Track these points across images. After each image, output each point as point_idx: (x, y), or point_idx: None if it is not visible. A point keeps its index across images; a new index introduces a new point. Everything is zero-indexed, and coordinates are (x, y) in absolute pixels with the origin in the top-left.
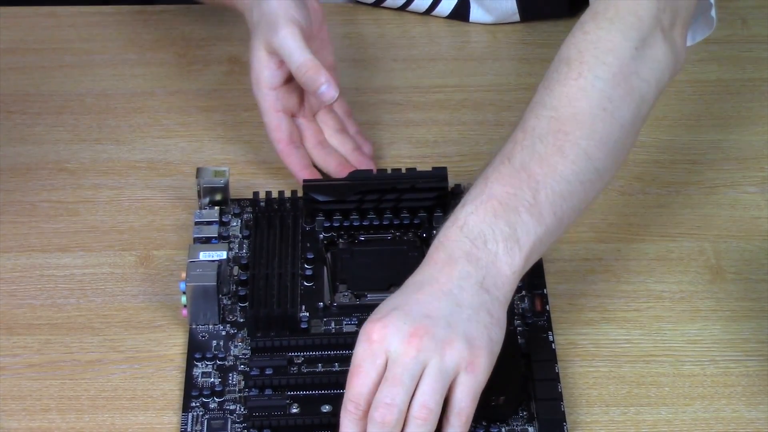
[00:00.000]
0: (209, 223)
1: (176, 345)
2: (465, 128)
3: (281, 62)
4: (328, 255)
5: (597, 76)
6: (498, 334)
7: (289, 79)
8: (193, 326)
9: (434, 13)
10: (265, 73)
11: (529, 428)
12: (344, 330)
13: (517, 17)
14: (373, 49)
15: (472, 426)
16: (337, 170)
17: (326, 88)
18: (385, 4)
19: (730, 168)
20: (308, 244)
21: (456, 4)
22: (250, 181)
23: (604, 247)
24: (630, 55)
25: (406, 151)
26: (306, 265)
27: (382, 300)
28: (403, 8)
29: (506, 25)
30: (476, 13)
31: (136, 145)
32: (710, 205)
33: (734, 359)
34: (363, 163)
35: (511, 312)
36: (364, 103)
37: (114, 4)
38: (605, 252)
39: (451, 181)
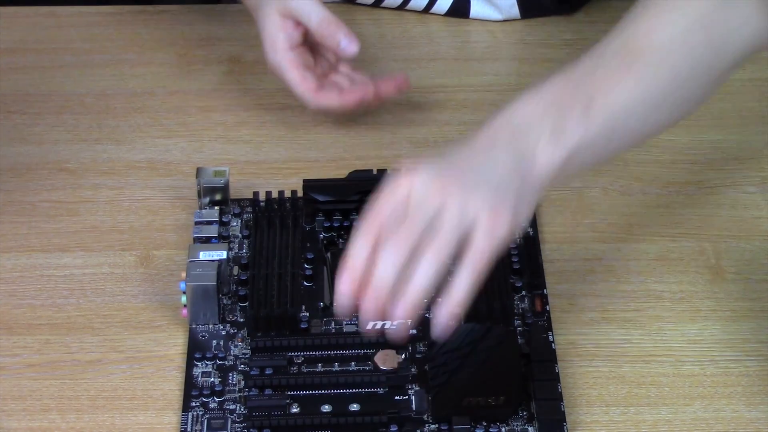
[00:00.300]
0: (209, 222)
1: (176, 345)
2: (465, 128)
3: (296, 24)
4: (328, 255)
5: (676, 20)
6: (523, 213)
7: (303, 42)
8: (193, 326)
9: (432, 10)
10: (281, 36)
11: (529, 428)
12: (344, 330)
13: (515, 10)
14: (373, 49)
15: (471, 426)
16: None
17: (347, 42)
18: (383, 4)
19: (730, 168)
20: (308, 244)
21: (454, 1)
22: (250, 180)
23: (604, 247)
24: (714, 6)
25: (406, 151)
26: (306, 265)
27: None
28: (401, 7)
29: (506, 25)
30: (476, 8)
31: (136, 145)
32: (710, 205)
33: (734, 359)
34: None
35: (511, 312)
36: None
37: (114, 4)
38: (605, 252)
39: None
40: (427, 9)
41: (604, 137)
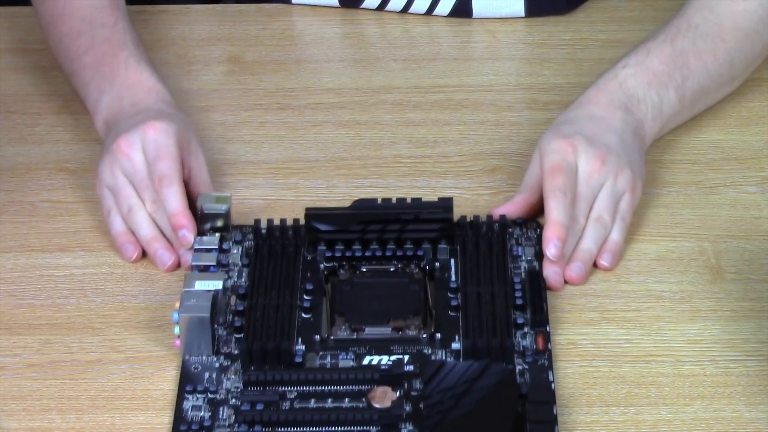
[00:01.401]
0: (208, 250)
1: (176, 345)
2: (465, 128)
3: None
4: (328, 286)
5: (761, 4)
6: (644, 172)
7: None
8: (186, 357)
9: (435, 12)
10: (177, 152)
11: None
12: (340, 365)
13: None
14: (373, 49)
15: None
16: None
17: (187, 235)
18: (387, 8)
19: (730, 168)
20: (309, 274)
21: (455, 4)
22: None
23: None
24: None
25: (407, 151)
26: (305, 296)
27: (381, 334)
28: (404, 11)
29: (507, 25)
30: (479, 5)
31: None
32: (710, 205)
33: (734, 359)
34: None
35: (511, 350)
36: (364, 103)
37: None
38: None
39: (457, 212)
40: (430, 11)
41: (687, 112)
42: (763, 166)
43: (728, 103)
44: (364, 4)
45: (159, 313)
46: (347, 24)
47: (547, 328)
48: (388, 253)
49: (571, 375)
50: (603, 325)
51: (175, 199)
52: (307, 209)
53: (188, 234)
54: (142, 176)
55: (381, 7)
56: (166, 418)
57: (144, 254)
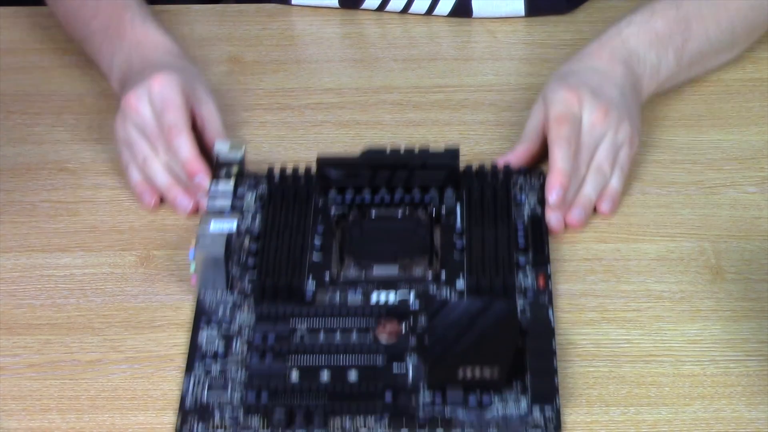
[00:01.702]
0: (224, 194)
1: (176, 345)
2: (465, 128)
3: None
4: (338, 229)
5: None
6: (640, 126)
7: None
8: (202, 294)
9: (435, 12)
10: (183, 102)
11: (522, 399)
12: (348, 301)
13: (520, 5)
14: (373, 49)
15: (464, 395)
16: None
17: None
18: (387, 8)
19: (730, 168)
20: (320, 218)
21: (455, 3)
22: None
23: (604, 247)
24: None
25: None
26: (316, 238)
27: (388, 272)
28: (404, 11)
29: (507, 25)
30: (479, 5)
31: None
32: (710, 205)
33: (734, 359)
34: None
35: (513, 288)
36: (364, 103)
37: None
38: (605, 252)
39: (463, 160)
40: (430, 11)
41: (683, 74)
42: (763, 166)
43: (728, 103)
44: (364, 5)
45: (159, 313)
46: (347, 24)
47: (548, 269)
48: (396, 199)
49: (571, 375)
50: (603, 325)
51: (185, 147)
52: (318, 156)
53: (203, 178)
54: (152, 128)
55: (381, 7)
56: (166, 418)
57: (162, 201)
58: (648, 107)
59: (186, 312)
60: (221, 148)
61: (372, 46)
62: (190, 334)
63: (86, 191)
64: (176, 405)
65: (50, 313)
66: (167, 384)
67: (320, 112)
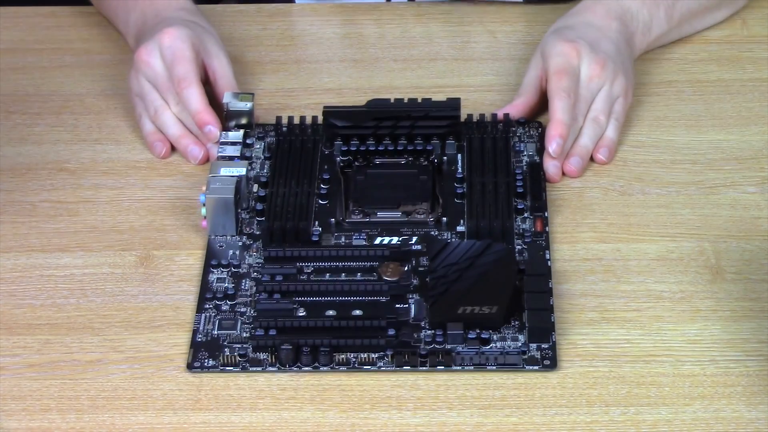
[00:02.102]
0: (233, 143)
1: (176, 345)
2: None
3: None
4: (343, 176)
5: None
6: (634, 80)
7: None
8: (212, 237)
9: None
10: (193, 54)
11: (520, 336)
12: (353, 244)
13: None
14: (373, 49)
15: (464, 332)
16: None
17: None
18: None
19: (730, 168)
20: (326, 167)
21: None
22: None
23: (604, 247)
24: None
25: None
26: (322, 185)
27: (392, 218)
28: None
29: (506, 25)
30: None
31: (136, 145)
32: (710, 205)
33: (734, 359)
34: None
35: (511, 231)
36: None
37: None
38: (605, 252)
39: (464, 112)
40: None
41: (673, 33)
42: (763, 166)
43: (728, 103)
44: None
45: (159, 313)
46: (347, 24)
47: (546, 214)
48: (400, 148)
49: (571, 375)
50: (603, 325)
51: (195, 99)
52: (324, 107)
53: (213, 128)
54: (164, 80)
55: None
56: (166, 418)
57: (173, 150)
58: (648, 107)
59: (186, 312)
60: (230, 99)
61: (372, 46)
62: (190, 334)
63: (86, 191)
64: (176, 405)
65: (50, 313)
66: (167, 384)
67: (320, 112)
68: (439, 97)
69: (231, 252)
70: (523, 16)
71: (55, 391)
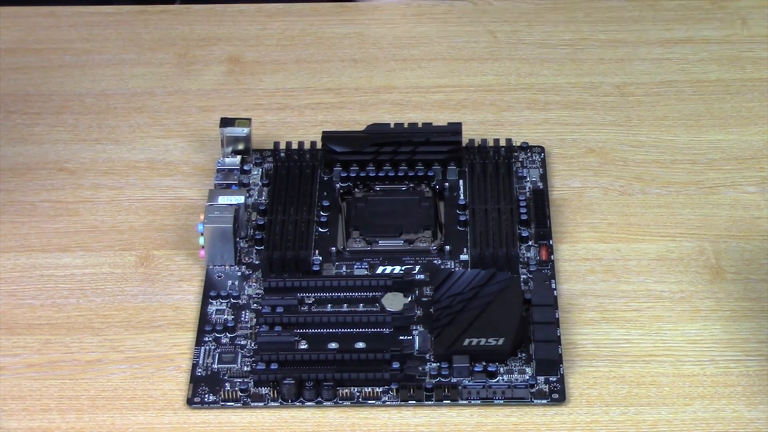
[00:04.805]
0: (231, 170)
1: (176, 345)
2: (465, 128)
3: None
4: (344, 203)
5: None
6: None
7: None
8: (210, 267)
9: None
10: None
11: (527, 369)
12: (355, 273)
13: None
14: (373, 49)
15: (470, 366)
16: None
17: None
18: None
19: (730, 168)
20: (325, 193)
21: None
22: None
23: (604, 247)
24: None
25: None
26: (321, 212)
27: (394, 246)
28: None
29: (507, 26)
30: None
31: (136, 145)
32: (710, 205)
33: (734, 359)
34: None
35: (516, 260)
36: (364, 103)
37: (114, 4)
38: (605, 252)
39: (466, 137)
40: None
41: None
42: (763, 166)
43: (728, 103)
44: None
45: (159, 313)
46: (347, 24)
47: (551, 242)
48: (400, 174)
49: (570, 375)
50: (603, 325)
51: None
52: (323, 132)
53: None
54: None
55: None
56: (166, 418)
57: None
58: (648, 107)
59: (186, 312)
60: (227, 124)
61: (372, 46)
62: (190, 334)
63: (86, 191)
64: (176, 405)
65: (50, 313)
66: (167, 384)
67: (320, 112)
68: (439, 96)
69: (230, 282)
70: (523, 16)
71: (55, 391)
